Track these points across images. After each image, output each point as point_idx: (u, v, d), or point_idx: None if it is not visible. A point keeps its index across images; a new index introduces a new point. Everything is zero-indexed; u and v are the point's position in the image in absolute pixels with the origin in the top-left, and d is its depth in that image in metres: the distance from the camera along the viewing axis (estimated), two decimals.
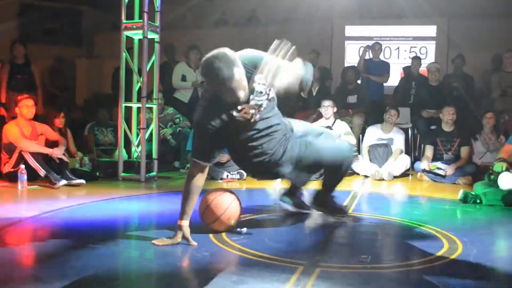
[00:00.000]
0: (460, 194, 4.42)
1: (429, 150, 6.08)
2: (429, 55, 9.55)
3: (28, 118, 5.34)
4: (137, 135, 5.78)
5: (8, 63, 6.63)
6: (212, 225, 3.07)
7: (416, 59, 7.97)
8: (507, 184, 4.16)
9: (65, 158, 5.25)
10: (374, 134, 6.43)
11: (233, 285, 2.19)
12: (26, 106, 5.32)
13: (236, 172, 5.72)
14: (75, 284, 2.18)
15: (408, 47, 9.87)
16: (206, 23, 10.60)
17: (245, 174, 5.79)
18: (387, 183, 5.81)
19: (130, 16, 5.66)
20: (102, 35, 11.02)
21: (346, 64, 9.56)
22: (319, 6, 8.85)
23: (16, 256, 2.69)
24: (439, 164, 5.87)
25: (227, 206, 3.04)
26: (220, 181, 5.58)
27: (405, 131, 7.09)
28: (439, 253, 2.76)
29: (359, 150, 6.56)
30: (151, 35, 5.58)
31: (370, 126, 6.64)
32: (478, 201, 4.34)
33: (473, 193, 4.43)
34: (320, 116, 6.73)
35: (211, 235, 3.03)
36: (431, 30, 9.76)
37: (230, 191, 3.19)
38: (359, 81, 7.79)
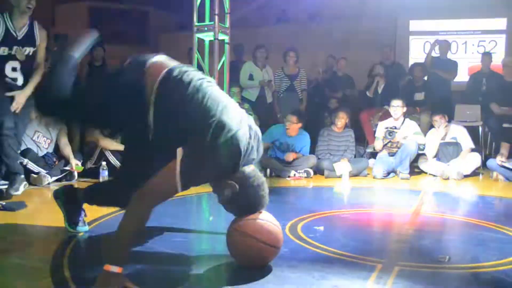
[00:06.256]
0: None
1: (504, 148, 5.89)
2: (499, 49, 9.22)
3: None
4: None
5: (87, 64, 7.03)
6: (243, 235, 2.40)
7: (487, 55, 7.71)
8: None
9: None
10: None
11: (315, 281, 2.29)
12: None
13: (303, 171, 5.81)
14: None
15: (476, 41, 9.57)
16: (268, 21, 10.73)
17: (312, 172, 5.87)
18: (457, 182, 5.71)
19: (199, 18, 5.85)
20: (167, 35, 11.40)
21: (410, 59, 9.40)
22: (383, 2, 8.76)
23: None
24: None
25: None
26: (288, 178, 5.69)
27: (476, 129, 6.91)
28: None
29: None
30: (221, 37, 5.76)
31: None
32: None
33: None
34: (386, 114, 6.69)
35: (287, 231, 3.14)
36: (501, 23, 9.42)
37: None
38: (425, 78, 7.64)
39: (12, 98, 4.11)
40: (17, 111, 4.13)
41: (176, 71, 2.44)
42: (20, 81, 4.17)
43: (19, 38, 4.12)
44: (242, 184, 2.34)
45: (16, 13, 4.11)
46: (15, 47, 4.11)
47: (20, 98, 4.11)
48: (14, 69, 4.14)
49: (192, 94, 2.36)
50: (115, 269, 2.05)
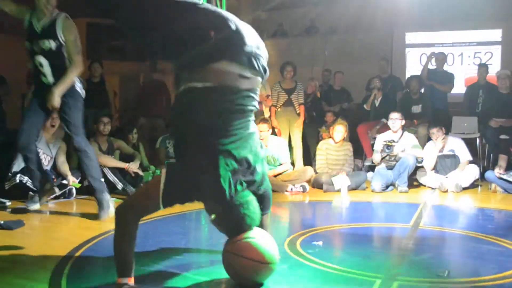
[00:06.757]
0: None
1: (502, 159, 5.89)
2: (494, 61, 9.28)
3: (105, 134, 5.67)
4: None
5: (85, 80, 7.02)
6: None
7: (483, 66, 7.75)
8: None
9: (140, 172, 5.55)
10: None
11: None
12: (103, 123, 5.66)
13: (300, 186, 5.80)
14: None
15: (472, 52, 9.63)
16: (264, 35, 10.79)
17: (308, 187, 5.85)
18: (455, 195, 5.70)
19: None
20: None
21: (407, 72, 9.44)
22: (379, 15, 8.83)
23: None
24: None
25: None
26: (286, 193, 5.68)
27: (473, 141, 6.93)
28: None
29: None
30: None
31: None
32: None
33: None
34: (384, 127, 6.70)
35: (286, 247, 3.14)
36: (496, 34, 9.49)
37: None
38: (422, 90, 7.66)
39: (44, 100, 4.00)
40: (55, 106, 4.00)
41: (216, 94, 2.32)
42: (49, 77, 4.06)
43: (38, 31, 4.04)
44: (224, 204, 2.33)
45: (37, 9, 4.06)
46: (36, 41, 4.04)
47: (53, 102, 3.95)
48: (41, 65, 4.05)
49: (214, 117, 2.31)
50: (125, 280, 2.21)
